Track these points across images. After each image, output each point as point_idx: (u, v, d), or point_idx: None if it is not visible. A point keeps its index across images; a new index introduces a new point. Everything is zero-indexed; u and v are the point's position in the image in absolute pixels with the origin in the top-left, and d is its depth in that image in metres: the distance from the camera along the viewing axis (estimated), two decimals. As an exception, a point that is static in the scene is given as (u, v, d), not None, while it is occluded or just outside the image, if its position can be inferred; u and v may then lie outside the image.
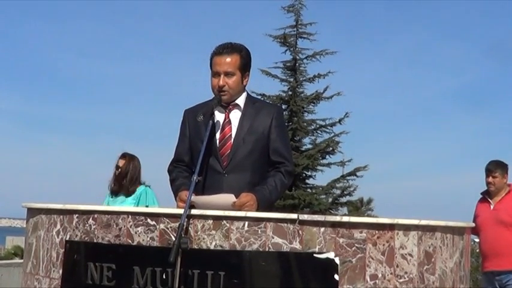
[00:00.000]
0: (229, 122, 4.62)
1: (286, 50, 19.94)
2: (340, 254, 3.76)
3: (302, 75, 19.99)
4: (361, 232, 3.80)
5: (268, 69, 19.79)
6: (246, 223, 3.78)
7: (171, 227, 3.85)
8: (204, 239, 3.80)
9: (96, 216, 4.07)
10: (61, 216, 4.22)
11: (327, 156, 19.63)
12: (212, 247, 3.79)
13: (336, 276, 3.73)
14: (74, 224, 4.15)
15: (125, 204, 7.66)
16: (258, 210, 4.15)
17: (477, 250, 14.50)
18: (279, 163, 4.61)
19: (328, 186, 19.48)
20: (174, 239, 3.71)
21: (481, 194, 8.28)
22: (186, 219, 3.75)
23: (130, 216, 3.96)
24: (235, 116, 4.64)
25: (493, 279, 7.95)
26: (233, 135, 4.58)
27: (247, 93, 4.76)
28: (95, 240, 4.05)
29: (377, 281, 3.80)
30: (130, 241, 3.94)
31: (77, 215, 4.14)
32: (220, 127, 4.60)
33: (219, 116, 4.62)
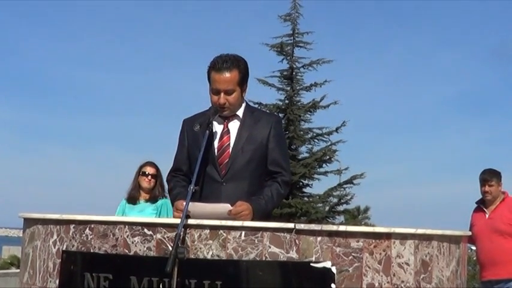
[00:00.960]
0: (228, 132, 4.63)
1: (283, 59, 20.00)
2: (337, 263, 3.76)
3: (299, 84, 20.03)
4: (357, 241, 3.80)
5: (265, 78, 19.85)
6: (243, 232, 3.78)
7: (167, 237, 3.85)
8: (200, 248, 3.80)
9: (92, 226, 4.06)
10: (58, 226, 4.21)
11: (324, 165, 19.67)
12: (209, 257, 3.78)
13: (333, 286, 3.73)
14: (70, 234, 4.14)
15: (144, 213, 7.63)
16: (253, 219, 4.15)
17: (474, 258, 14.52)
18: (276, 173, 4.61)
19: (325, 195, 19.49)
20: (170, 248, 3.71)
21: (476, 203, 8.29)
22: (182, 229, 3.75)
23: (127, 226, 3.96)
24: (234, 125, 4.65)
25: (491, 288, 7.96)
26: (231, 145, 4.58)
27: (246, 103, 4.76)
28: (91, 250, 4.04)
29: (374, 290, 3.80)
30: (127, 251, 3.93)
31: (73, 225, 4.14)
32: (219, 136, 4.60)
33: (218, 126, 4.63)
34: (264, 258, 3.75)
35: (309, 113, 19.97)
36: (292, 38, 19.97)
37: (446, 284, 4.16)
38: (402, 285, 3.88)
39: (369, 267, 3.81)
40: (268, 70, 20.09)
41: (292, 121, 19.39)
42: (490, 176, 8.07)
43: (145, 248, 3.89)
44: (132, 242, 3.92)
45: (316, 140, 19.98)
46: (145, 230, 3.91)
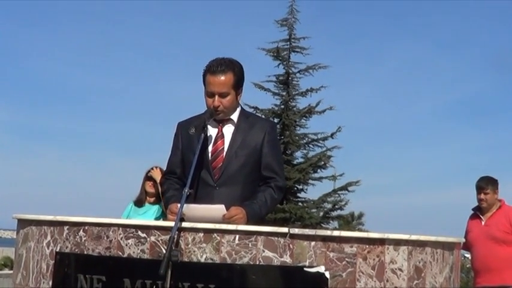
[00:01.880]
0: (222, 136, 4.63)
1: (279, 64, 20.01)
2: (330, 268, 3.75)
3: (295, 89, 20.05)
4: (351, 246, 3.80)
5: (261, 82, 19.86)
6: (237, 236, 3.77)
7: (161, 240, 3.85)
8: (194, 251, 3.80)
9: (86, 228, 4.06)
10: (51, 228, 4.21)
11: (319, 170, 19.68)
12: (203, 260, 3.78)
13: (326, 291, 3.73)
14: (64, 235, 4.14)
15: (146, 215, 7.73)
16: (247, 224, 4.15)
17: (467, 265, 14.54)
18: (270, 178, 4.61)
19: (320, 200, 19.50)
20: (164, 251, 3.70)
21: (472, 210, 8.29)
22: (176, 232, 3.75)
23: (121, 229, 3.95)
24: (229, 130, 4.65)
25: (485, 295, 7.96)
26: (225, 149, 4.59)
27: (241, 108, 4.76)
28: (85, 252, 4.04)
29: (367, 295, 3.80)
30: (120, 253, 3.93)
31: (67, 227, 4.13)
32: (213, 140, 4.60)
33: (212, 130, 4.63)
34: (257, 262, 3.75)
35: (304, 118, 19.99)
36: (288, 43, 19.99)
37: (439, 291, 4.16)
38: (395, 291, 3.88)
39: (363, 273, 3.81)
40: (264, 75, 20.12)
41: (287, 126, 19.40)
42: (485, 184, 8.08)
43: (139, 251, 3.89)
44: (126, 245, 3.92)
45: (311, 146, 20.00)
46: (139, 232, 3.90)
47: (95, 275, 3.95)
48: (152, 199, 7.97)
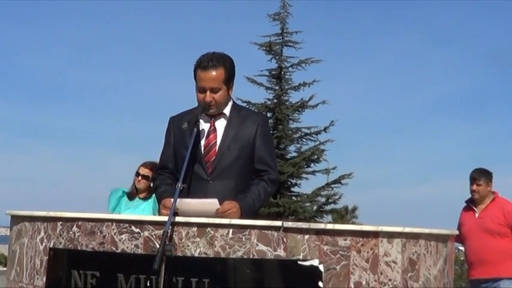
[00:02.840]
0: (215, 130, 4.62)
1: (271, 58, 20.00)
2: (324, 262, 3.76)
3: (287, 83, 20.03)
4: (345, 239, 3.80)
5: (253, 77, 19.84)
6: (231, 230, 3.77)
7: (155, 235, 3.84)
8: (188, 246, 3.80)
9: (80, 223, 4.05)
10: (45, 224, 4.20)
11: (312, 164, 19.68)
12: (196, 254, 3.78)
13: (320, 284, 3.73)
14: (57, 231, 4.13)
15: (139, 209, 7.68)
16: (241, 218, 4.15)
17: (461, 258, 14.57)
18: (262, 171, 4.61)
19: (313, 194, 19.50)
20: (158, 246, 3.70)
21: (466, 202, 8.30)
22: (170, 227, 3.74)
23: (114, 224, 3.95)
24: (221, 124, 4.65)
25: (479, 287, 7.97)
26: (218, 143, 4.58)
27: (233, 101, 4.75)
28: (78, 248, 4.03)
29: (361, 288, 3.81)
30: (114, 248, 3.92)
31: (60, 223, 4.13)
32: (206, 135, 4.60)
33: (205, 124, 4.63)
34: (251, 256, 3.75)
35: (297, 112, 19.99)
36: (281, 37, 19.98)
37: (433, 283, 4.17)
38: (389, 284, 3.89)
39: (356, 266, 3.81)
40: (256, 69, 20.11)
41: (280, 120, 19.40)
42: (478, 175, 8.09)
43: (132, 246, 3.88)
44: (120, 240, 3.92)
45: (304, 140, 20.00)
46: (133, 227, 3.90)
47: (88, 270, 3.94)
48: (142, 194, 7.94)
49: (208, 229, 3.79)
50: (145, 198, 7.88)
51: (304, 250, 3.76)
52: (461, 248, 9.25)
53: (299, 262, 3.75)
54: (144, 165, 7.95)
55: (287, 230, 3.76)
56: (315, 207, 19.46)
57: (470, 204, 8.19)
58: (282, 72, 19.96)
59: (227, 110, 4.67)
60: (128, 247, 3.89)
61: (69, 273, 4.00)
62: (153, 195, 7.78)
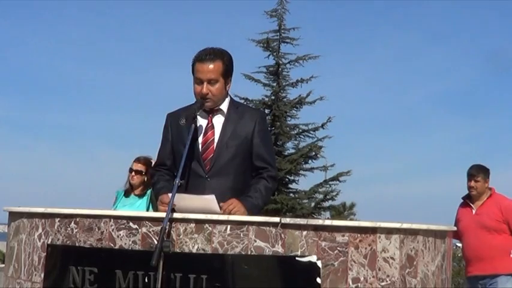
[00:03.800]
0: (212, 127, 4.62)
1: (269, 55, 20.00)
2: (322, 258, 3.76)
3: (285, 80, 20.04)
4: (343, 235, 3.80)
5: (251, 73, 19.85)
6: (229, 227, 3.77)
7: (153, 231, 3.84)
8: (186, 242, 3.80)
9: (78, 219, 4.05)
10: (43, 220, 4.20)
11: (310, 161, 19.69)
12: (194, 251, 3.78)
13: (318, 280, 3.73)
14: (55, 227, 4.13)
15: (135, 206, 7.67)
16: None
17: (459, 254, 14.58)
18: (262, 168, 4.61)
19: (311, 191, 19.52)
20: (156, 242, 3.70)
21: (463, 198, 8.30)
22: (168, 223, 3.74)
23: (112, 220, 3.95)
24: (219, 120, 4.64)
25: (476, 284, 7.98)
26: (216, 140, 4.58)
27: (231, 98, 4.75)
28: (76, 244, 4.03)
29: (359, 284, 3.81)
30: (112, 245, 3.92)
31: (58, 219, 4.12)
32: (203, 131, 4.59)
33: (202, 121, 4.62)
34: (249, 252, 3.75)
35: (295, 109, 19.99)
36: (278, 33, 19.98)
37: (431, 279, 4.17)
38: (387, 280, 3.89)
39: (355, 262, 3.81)
40: (254, 66, 20.12)
41: (278, 117, 19.40)
42: (476, 172, 8.09)
43: (130, 242, 3.88)
44: (118, 236, 3.92)
45: (302, 136, 20.01)
46: (131, 223, 3.90)
47: (86, 266, 3.94)
48: (137, 190, 7.93)
49: (206, 225, 3.79)
50: (140, 195, 7.88)
51: (302, 246, 3.76)
52: (459, 244, 9.24)
53: (297, 258, 3.75)
54: (137, 160, 7.96)
55: (285, 226, 3.76)
56: (312, 204, 19.48)
57: (467, 200, 8.19)
58: (280, 69, 19.96)
59: (225, 106, 4.67)
60: (125, 243, 3.89)
61: (67, 270, 4.00)
62: (148, 192, 7.80)
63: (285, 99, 19.88)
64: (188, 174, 4.48)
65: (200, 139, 4.58)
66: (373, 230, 3.87)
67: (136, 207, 7.63)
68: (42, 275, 4.15)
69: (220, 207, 4.14)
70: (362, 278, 3.82)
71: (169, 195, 4.00)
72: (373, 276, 3.85)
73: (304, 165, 19.58)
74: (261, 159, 4.63)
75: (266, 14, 20.07)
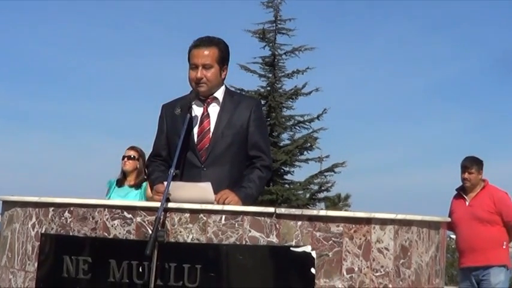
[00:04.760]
0: (208, 116, 4.61)
1: (265, 46, 19.97)
2: (316, 248, 3.76)
3: (281, 70, 20.03)
4: (338, 226, 3.80)
5: (246, 64, 19.82)
6: (223, 216, 3.77)
7: (147, 220, 3.84)
8: (180, 232, 3.79)
9: (72, 209, 4.04)
10: (36, 209, 4.19)
11: (305, 152, 19.70)
12: (189, 240, 3.78)
13: (313, 270, 3.73)
14: (49, 217, 4.12)
15: (129, 197, 7.65)
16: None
17: (453, 246, 14.60)
18: (256, 157, 4.60)
19: (306, 182, 19.53)
20: (150, 232, 3.70)
21: (456, 190, 8.31)
22: (162, 213, 3.74)
23: (106, 209, 3.94)
24: (214, 109, 4.63)
25: (469, 275, 8.00)
26: (211, 129, 4.57)
27: (226, 87, 4.75)
28: (70, 233, 4.03)
29: (353, 274, 3.81)
30: (106, 234, 3.92)
31: (52, 208, 4.12)
32: (199, 121, 4.59)
33: (197, 110, 4.61)
34: (244, 242, 3.75)
35: (290, 100, 19.98)
36: (274, 24, 19.95)
37: (425, 270, 4.17)
38: (381, 270, 3.89)
39: (349, 252, 3.81)
40: (250, 56, 20.08)
41: (273, 108, 19.39)
42: (470, 164, 8.10)
43: (125, 231, 3.88)
44: (112, 225, 3.91)
45: (297, 127, 20.01)
46: (125, 213, 3.89)
47: (80, 256, 3.94)
48: (131, 179, 7.90)
49: (201, 215, 3.78)
50: (134, 186, 7.86)
51: (297, 236, 3.76)
52: (453, 236, 9.26)
53: (291, 248, 3.75)
54: (130, 148, 7.98)
55: (280, 216, 3.76)
56: (307, 195, 19.49)
57: (461, 192, 8.20)
58: (276, 60, 19.94)
59: (220, 95, 4.66)
60: (120, 233, 3.89)
61: (61, 259, 3.99)
62: (144, 185, 7.79)
63: (280, 90, 19.87)
64: (184, 165, 4.47)
65: (196, 129, 4.57)
66: (368, 221, 3.87)
67: (132, 199, 7.60)
68: (36, 265, 4.14)
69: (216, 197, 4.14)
70: (356, 269, 3.82)
71: (165, 184, 4.00)
72: (368, 267, 3.85)
73: (299, 156, 19.59)
74: (256, 148, 4.62)
75: (262, 4, 20.04)
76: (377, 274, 3.88)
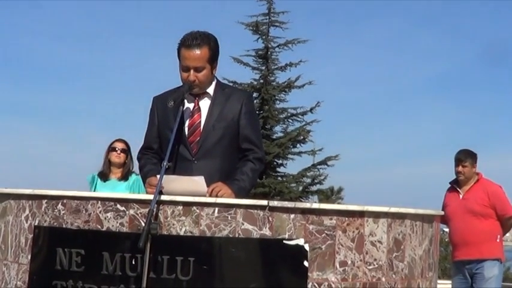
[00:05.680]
0: (199, 109, 4.61)
1: (258, 38, 19.97)
2: (309, 241, 3.76)
3: (274, 63, 20.02)
4: (331, 219, 3.81)
5: (240, 57, 19.83)
6: (216, 209, 3.77)
7: (140, 213, 3.83)
8: (173, 225, 3.79)
9: (65, 201, 4.04)
10: (30, 202, 4.18)
11: (298, 145, 19.71)
12: (182, 233, 3.77)
13: (306, 263, 3.74)
14: (43, 209, 4.11)
15: (118, 190, 7.57)
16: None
17: (446, 239, 14.64)
18: (248, 150, 4.61)
19: (299, 175, 19.55)
20: (143, 224, 3.69)
21: (450, 183, 8.32)
22: (155, 205, 3.73)
23: (99, 202, 3.93)
24: (205, 103, 4.63)
25: (462, 268, 8.01)
26: (202, 122, 4.57)
27: (217, 80, 4.74)
28: (64, 226, 4.02)
29: (346, 267, 3.81)
30: (99, 227, 3.91)
31: (45, 200, 4.11)
32: (190, 114, 4.58)
33: (189, 104, 4.60)
34: (237, 235, 3.75)
35: (283, 92, 19.99)
36: (267, 17, 19.94)
37: (418, 263, 4.18)
38: (375, 264, 3.90)
39: (342, 245, 3.82)
40: (243, 49, 20.09)
41: (266, 101, 19.40)
42: (464, 157, 8.11)
43: (118, 224, 3.88)
44: (105, 218, 3.91)
45: (290, 120, 20.02)
46: (118, 205, 3.89)
47: (73, 248, 3.93)
48: (119, 173, 7.84)
49: (194, 208, 3.78)
50: (122, 179, 7.81)
51: (290, 229, 3.76)
52: (446, 229, 9.27)
53: (284, 241, 3.75)
54: (119, 140, 7.91)
55: (273, 209, 3.76)
56: (300, 188, 19.51)
57: (455, 185, 8.21)
58: (269, 53, 19.94)
59: (211, 89, 4.66)
60: (113, 225, 3.88)
61: (54, 251, 3.99)
62: (133, 177, 7.73)
63: (273, 83, 19.87)
64: (175, 158, 4.47)
65: (187, 122, 4.57)
66: (361, 214, 3.88)
67: (121, 192, 7.53)
68: (29, 257, 4.13)
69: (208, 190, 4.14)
70: (349, 262, 3.83)
71: (158, 177, 4.00)
72: (361, 260, 3.85)
73: (292, 149, 19.60)
74: (248, 140, 4.62)
75: (255, -4, 20.00)
76: (370, 267, 3.89)
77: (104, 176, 7.83)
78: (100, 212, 3.92)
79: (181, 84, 4.59)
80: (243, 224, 3.75)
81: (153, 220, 3.70)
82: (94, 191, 7.63)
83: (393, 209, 3.99)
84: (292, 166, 19.91)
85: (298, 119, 19.94)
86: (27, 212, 4.20)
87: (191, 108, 4.61)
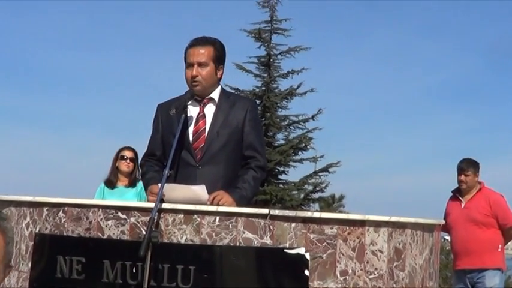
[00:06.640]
0: (204, 116, 4.62)
1: (260, 46, 19.90)
2: (310, 250, 3.76)
3: (276, 70, 19.97)
4: (331, 228, 3.80)
5: (242, 63, 19.76)
6: (217, 218, 3.77)
7: (141, 221, 3.83)
8: (174, 233, 3.79)
9: (66, 209, 4.04)
10: (31, 209, 4.18)
11: (300, 152, 19.64)
12: (183, 241, 3.77)
13: (306, 272, 3.73)
14: (43, 216, 4.11)
15: (126, 197, 7.57)
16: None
17: (447, 247, 14.60)
18: (250, 158, 4.61)
19: (300, 182, 19.48)
20: (144, 232, 3.69)
21: (452, 192, 8.32)
22: (157, 213, 3.73)
23: (100, 210, 3.94)
24: (210, 110, 4.64)
25: (464, 277, 8.01)
26: (207, 129, 4.58)
27: (222, 88, 4.76)
28: (64, 233, 4.02)
29: (347, 277, 3.81)
30: (100, 234, 3.91)
31: (46, 208, 4.11)
32: (194, 121, 4.59)
33: (194, 110, 4.62)
34: (238, 244, 3.75)
35: (285, 100, 19.93)
36: (270, 24, 19.88)
37: (419, 272, 4.18)
38: (375, 273, 3.90)
39: (343, 254, 3.81)
40: (245, 56, 20.04)
41: (268, 108, 19.35)
42: (466, 166, 8.10)
43: (119, 232, 3.88)
44: (106, 226, 3.91)
45: (292, 128, 19.94)
46: (119, 213, 3.89)
47: (74, 256, 3.93)
48: (127, 180, 7.83)
49: (195, 216, 3.78)
50: (129, 186, 7.80)
51: (291, 238, 3.76)
52: (447, 237, 9.27)
53: (285, 250, 3.75)
54: (127, 148, 7.89)
55: (274, 217, 3.76)
56: (302, 195, 19.45)
57: (457, 194, 8.21)
58: (271, 60, 19.89)
59: (216, 95, 4.67)
60: (114, 233, 3.88)
61: (54, 259, 3.98)
62: (141, 184, 7.72)
63: (275, 90, 19.82)
64: (178, 164, 4.47)
65: (191, 128, 4.57)
66: (362, 223, 3.88)
67: (130, 198, 7.54)
68: (30, 264, 4.13)
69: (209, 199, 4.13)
70: (350, 271, 3.82)
71: (159, 185, 4.00)
72: (361, 269, 3.85)
73: (294, 157, 19.53)
74: (251, 148, 4.63)
75: (258, 4, 19.96)
76: (371, 276, 3.88)
77: (110, 183, 7.81)
78: (101, 219, 3.92)
79: (185, 92, 4.61)
80: (244, 233, 3.75)
81: (154, 228, 3.71)
82: (102, 199, 7.61)
83: (394, 218, 3.99)
84: (293, 173, 19.87)
85: (300, 126, 19.88)
86: (28, 219, 4.20)
87: (196, 115, 4.62)
